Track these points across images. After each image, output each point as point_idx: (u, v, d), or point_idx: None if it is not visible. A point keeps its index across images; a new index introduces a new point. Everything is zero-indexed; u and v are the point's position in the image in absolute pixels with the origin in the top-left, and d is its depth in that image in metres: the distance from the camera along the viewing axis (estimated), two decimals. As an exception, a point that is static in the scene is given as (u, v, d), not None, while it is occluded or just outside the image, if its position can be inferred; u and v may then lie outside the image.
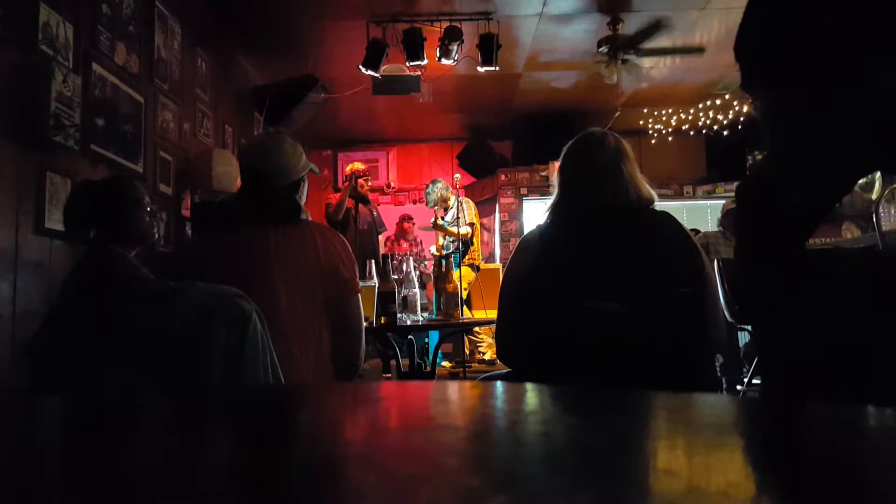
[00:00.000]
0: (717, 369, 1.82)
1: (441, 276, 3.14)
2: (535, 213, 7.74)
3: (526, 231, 5.30)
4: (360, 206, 5.67)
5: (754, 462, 0.42)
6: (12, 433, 0.55)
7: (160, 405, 0.71)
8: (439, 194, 5.90)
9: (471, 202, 6.04)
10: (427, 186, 6.01)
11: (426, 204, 6.03)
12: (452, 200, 5.88)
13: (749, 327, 4.02)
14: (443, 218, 5.77)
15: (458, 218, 5.65)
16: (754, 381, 4.23)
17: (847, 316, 1.33)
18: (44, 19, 2.77)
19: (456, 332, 4.73)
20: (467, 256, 5.75)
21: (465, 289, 4.77)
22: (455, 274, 5.19)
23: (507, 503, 0.30)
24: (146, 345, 1.40)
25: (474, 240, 5.84)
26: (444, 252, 5.83)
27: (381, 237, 6.19)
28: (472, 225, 5.76)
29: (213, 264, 1.86)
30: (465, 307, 4.23)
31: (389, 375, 5.30)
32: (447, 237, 5.79)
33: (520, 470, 0.38)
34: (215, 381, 1.38)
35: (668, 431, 0.50)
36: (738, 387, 4.44)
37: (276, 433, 0.52)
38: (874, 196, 4.23)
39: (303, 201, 2.04)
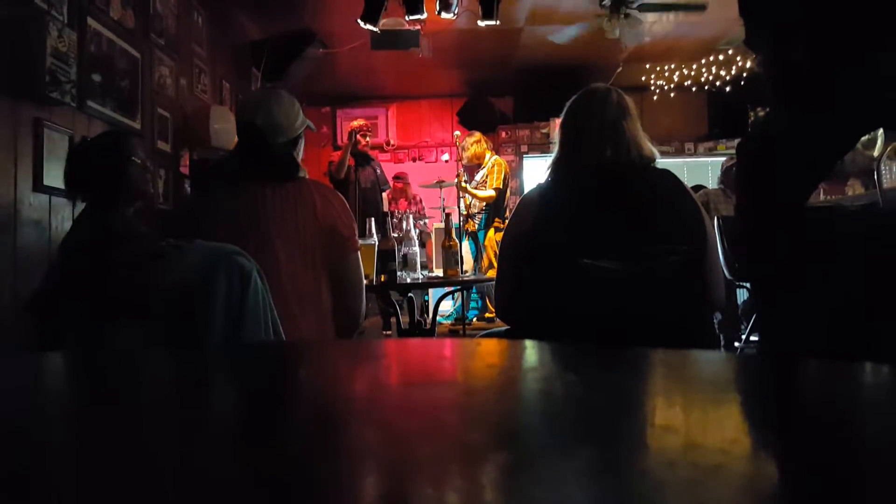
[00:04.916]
0: (716, 326, 1.83)
1: (447, 234, 3.13)
2: (536, 170, 7.69)
3: (526, 189, 5.25)
4: (363, 162, 5.63)
5: (752, 418, 0.42)
6: (15, 389, 0.55)
7: (162, 362, 0.71)
8: (474, 150, 5.73)
9: (504, 165, 5.80)
10: (463, 139, 5.80)
11: (458, 158, 5.77)
12: (487, 157, 5.76)
13: (748, 284, 4.04)
14: (466, 181, 5.60)
15: (486, 179, 5.54)
16: (752, 338, 4.27)
17: (846, 273, 1.34)
18: (36, -28, 2.71)
19: (455, 290, 4.75)
20: (497, 221, 5.66)
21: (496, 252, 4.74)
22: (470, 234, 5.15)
23: (507, 459, 0.31)
24: (147, 302, 1.40)
25: (506, 206, 5.70)
26: (471, 210, 5.78)
27: (384, 195, 6.13)
28: (497, 190, 5.59)
29: (210, 222, 1.84)
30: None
31: (389, 333, 5.34)
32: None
33: (519, 426, 0.39)
34: (216, 338, 1.39)
35: (667, 388, 0.51)
36: (736, 344, 4.48)
37: (278, 390, 0.52)
38: (876, 153, 4.20)
39: (300, 158, 2.01)
